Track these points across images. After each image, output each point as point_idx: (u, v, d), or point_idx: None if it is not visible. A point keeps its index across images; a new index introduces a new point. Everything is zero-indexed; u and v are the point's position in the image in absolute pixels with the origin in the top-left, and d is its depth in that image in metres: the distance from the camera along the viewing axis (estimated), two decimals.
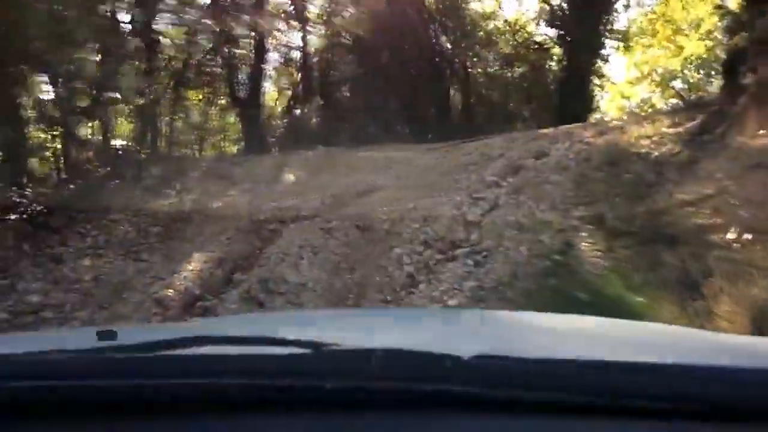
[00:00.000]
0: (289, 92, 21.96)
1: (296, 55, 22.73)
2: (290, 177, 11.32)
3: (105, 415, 0.82)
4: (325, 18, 23.00)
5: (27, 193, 8.68)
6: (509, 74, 24.01)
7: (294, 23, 21.94)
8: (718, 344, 1.55)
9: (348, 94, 22.76)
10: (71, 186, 10.00)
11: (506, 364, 0.87)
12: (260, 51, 16.57)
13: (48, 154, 12.25)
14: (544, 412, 0.82)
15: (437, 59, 23.26)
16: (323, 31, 23.44)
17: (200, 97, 16.87)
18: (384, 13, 24.35)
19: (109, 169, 10.41)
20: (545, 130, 13.76)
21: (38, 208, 7.95)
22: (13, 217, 7.51)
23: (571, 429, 0.83)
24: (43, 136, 12.28)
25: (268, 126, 18.73)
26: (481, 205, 8.76)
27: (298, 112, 20.24)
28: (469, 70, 22.89)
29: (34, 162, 12.85)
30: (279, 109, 21.58)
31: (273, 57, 21.30)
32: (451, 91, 23.68)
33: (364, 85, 22.50)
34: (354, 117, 21.69)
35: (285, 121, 19.48)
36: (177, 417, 0.83)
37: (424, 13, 24.12)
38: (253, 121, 16.03)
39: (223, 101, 17.75)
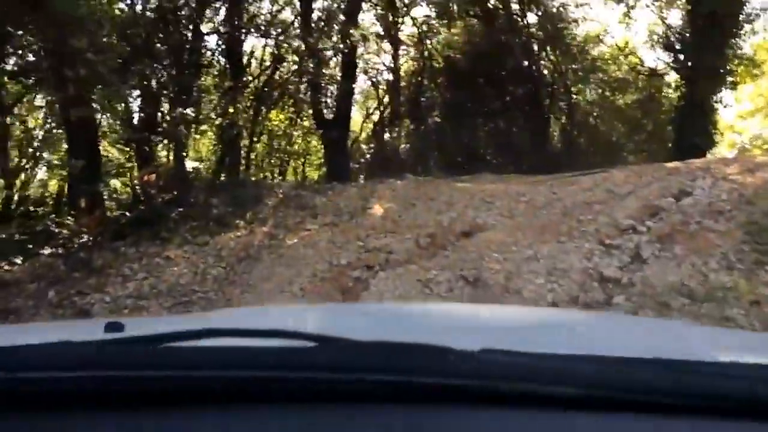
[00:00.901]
0: (376, 116, 20.72)
1: (385, 77, 21.59)
2: (378, 210, 9.82)
3: (109, 406, 0.80)
4: (416, 39, 21.76)
5: (68, 222, 7.55)
6: (617, 101, 21.84)
7: (384, 44, 20.84)
8: (721, 339, 1.57)
9: (439, 120, 21.24)
10: (127, 213, 8.92)
11: (510, 358, 0.87)
12: (348, 72, 15.32)
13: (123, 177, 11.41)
14: (549, 406, 0.80)
15: (536, 84, 21.46)
16: (414, 53, 22.20)
17: (282, 118, 15.75)
18: (478, 35, 22.97)
19: (176, 193, 9.24)
20: (673, 164, 11.68)
21: (81, 241, 6.80)
22: (47, 251, 6.23)
23: (576, 423, 0.81)
24: (119, 157, 11.43)
25: (353, 151, 17.43)
26: (617, 255, 6.96)
27: (387, 137, 18.89)
28: (573, 96, 20.88)
29: (113, 183, 12.06)
30: (365, 133, 20.33)
31: (361, 79, 20.26)
32: (550, 119, 21.76)
33: (456, 110, 20.98)
34: (445, 144, 20.15)
35: (372, 146, 18.11)
36: (181, 409, 0.80)
37: (521, 36, 22.48)
38: (338, 145, 14.74)
39: (306, 123, 16.64)
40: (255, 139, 14.44)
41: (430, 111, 21.68)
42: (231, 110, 12.39)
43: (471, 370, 0.82)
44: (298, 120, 16.59)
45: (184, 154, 10.69)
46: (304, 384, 0.81)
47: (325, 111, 14.94)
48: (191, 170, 10.54)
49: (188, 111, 10.03)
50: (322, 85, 14.55)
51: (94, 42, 8.62)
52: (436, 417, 0.80)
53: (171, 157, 10.54)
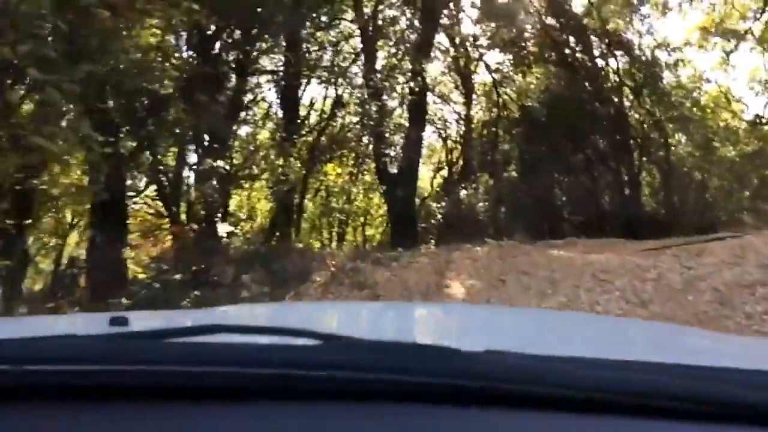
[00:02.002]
0: (446, 171, 18.70)
1: (455, 128, 19.70)
2: (458, 289, 7.67)
3: (115, 400, 0.79)
4: (490, 87, 19.89)
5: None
6: (719, 154, 19.14)
7: (454, 93, 19.04)
8: (724, 345, 1.56)
9: (516, 175, 19.06)
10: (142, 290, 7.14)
11: (516, 360, 0.87)
12: (417, 119, 13.46)
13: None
14: (554, 408, 0.79)
15: (623, 135, 19.06)
16: (487, 103, 20.31)
17: (340, 172, 13.81)
18: (556, 83, 20.91)
19: (199, 267, 7.33)
20: None
21: None
22: None
23: (582, 426, 0.80)
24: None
25: (421, 210, 15.39)
26: None
27: (462, 194, 16.77)
28: (669, 147, 18.33)
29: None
30: (434, 190, 18.29)
31: (429, 130, 18.44)
32: (641, 173, 19.18)
33: (533, 164, 18.80)
34: (523, 202, 17.92)
35: (442, 204, 16.01)
36: (187, 404, 0.80)
37: (606, 82, 20.26)
38: (404, 203, 12.73)
39: (368, 178, 14.73)
40: (308, 196, 12.52)
41: (505, 165, 19.57)
42: (282, 163, 10.64)
43: (477, 372, 0.81)
44: (359, 174, 14.67)
45: (219, 215, 8.88)
46: (310, 382, 0.80)
47: (389, 164, 13.02)
48: (224, 235, 8.60)
49: (220, 163, 8.25)
50: (387, 135, 12.71)
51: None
52: (442, 418, 0.79)
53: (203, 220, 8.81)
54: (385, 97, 12.64)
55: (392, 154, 12.89)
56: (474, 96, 20.06)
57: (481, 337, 1.42)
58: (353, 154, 14.34)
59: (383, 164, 12.74)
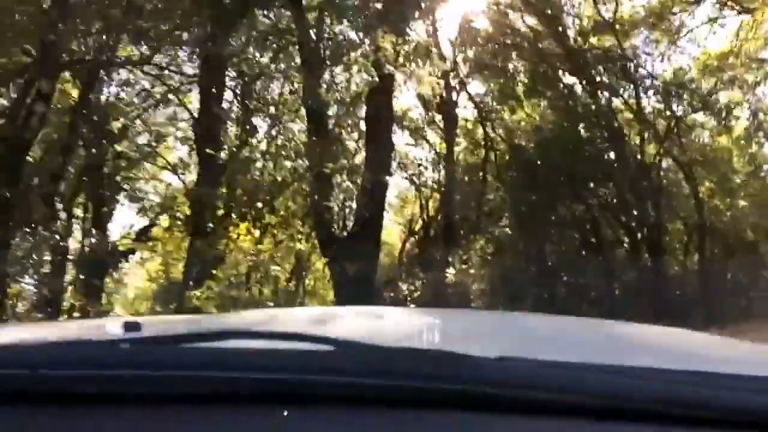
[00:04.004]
0: (421, 227, 14.84)
1: (431, 176, 15.97)
2: None
3: (129, 406, 0.80)
4: (474, 123, 16.34)
5: None
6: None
7: (430, 130, 15.43)
8: (736, 351, 1.56)
9: (509, 231, 15.31)
10: None
11: (528, 366, 0.87)
12: (378, 160, 9.65)
13: None
14: (566, 415, 0.79)
15: (641, 181, 15.50)
16: (469, 142, 16.71)
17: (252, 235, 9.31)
18: (552, 121, 17.51)
19: None
20: None
21: None
22: None
23: None
24: None
25: (387, 292, 11.11)
26: None
27: (438, 256, 12.91)
28: (700, 198, 14.68)
29: None
30: (404, 259, 14.29)
31: (396, 176, 14.70)
32: (664, 228, 15.54)
33: (529, 214, 15.14)
34: (518, 265, 14.15)
35: (417, 286, 11.85)
36: (200, 410, 0.80)
37: (613, 120, 16.86)
38: (359, 282, 8.58)
39: (301, 244, 10.13)
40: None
41: (494, 219, 15.84)
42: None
43: (488, 378, 0.82)
44: (294, 239, 10.23)
45: None
46: (324, 388, 0.81)
47: (335, 224, 9.03)
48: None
49: None
50: (334, 180, 8.85)
51: None
52: (453, 424, 0.79)
53: None
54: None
55: (337, 207, 8.93)
56: (457, 134, 16.42)
57: (492, 344, 1.35)
58: (281, 211, 10.15)
59: (326, 224, 8.73)
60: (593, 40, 16.66)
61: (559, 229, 16.78)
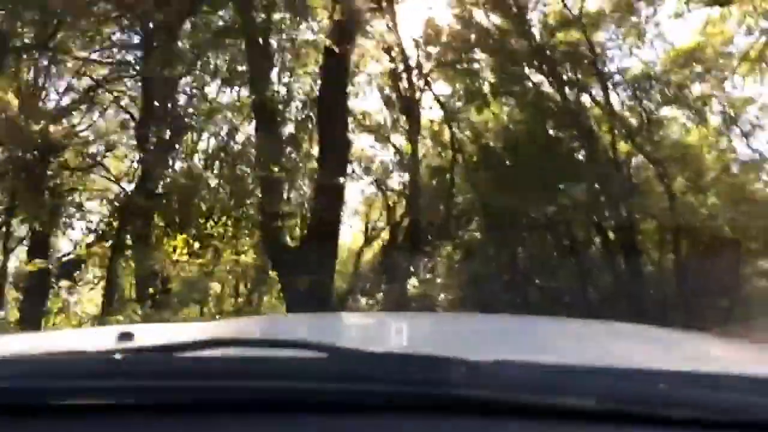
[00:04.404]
0: (386, 233, 14.12)
1: (397, 177, 15.29)
2: None
3: (123, 416, 0.80)
4: (439, 124, 15.72)
5: None
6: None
7: (392, 135, 14.75)
8: (738, 352, 1.55)
9: (478, 235, 14.68)
10: None
11: (524, 369, 0.87)
12: (334, 160, 8.81)
13: None
14: (562, 419, 0.79)
15: (613, 179, 14.99)
16: (435, 143, 16.08)
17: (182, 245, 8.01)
18: (521, 120, 16.96)
19: None
20: None
21: None
22: None
23: None
24: None
25: (347, 306, 10.25)
26: None
27: (402, 263, 12.20)
28: (676, 196, 14.21)
29: None
30: (366, 259, 13.55)
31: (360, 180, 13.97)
32: (640, 227, 15.04)
33: (499, 217, 14.53)
34: (489, 270, 13.51)
35: (378, 298, 11.07)
36: (194, 418, 0.80)
37: (584, 118, 16.37)
38: (312, 296, 7.69)
39: (248, 257, 9.01)
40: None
41: (464, 221, 15.20)
42: None
43: (483, 382, 0.81)
44: (237, 250, 9.10)
45: None
46: (317, 394, 0.80)
47: (282, 232, 8.12)
48: None
49: None
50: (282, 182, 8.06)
51: None
52: (448, 428, 0.79)
53: None
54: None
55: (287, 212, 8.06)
56: (422, 135, 15.76)
57: (487, 347, 1.36)
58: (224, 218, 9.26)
59: (275, 233, 7.90)
60: (560, 36, 16.16)
61: (531, 231, 16.21)
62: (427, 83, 15.18)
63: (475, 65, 17.37)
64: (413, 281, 11.42)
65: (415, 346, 1.17)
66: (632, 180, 15.22)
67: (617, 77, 16.17)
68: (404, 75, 12.68)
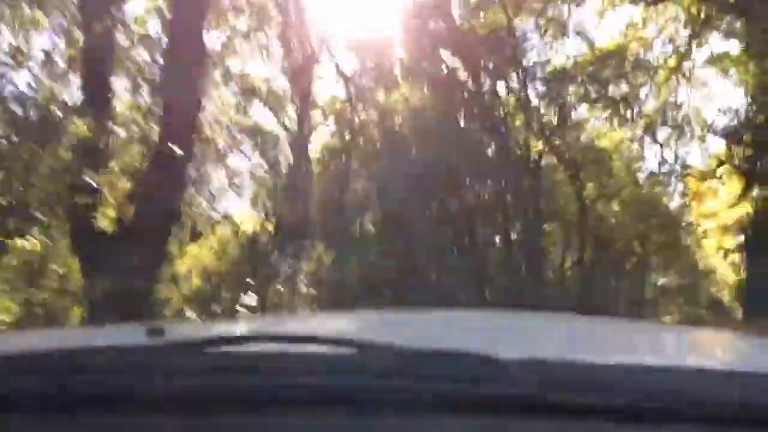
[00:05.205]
0: (261, 224, 12.34)
1: (288, 159, 13.56)
2: None
3: (151, 411, 0.79)
4: (343, 104, 14.13)
5: None
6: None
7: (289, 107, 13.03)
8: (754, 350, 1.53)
9: (372, 228, 13.26)
10: None
11: (557, 367, 0.86)
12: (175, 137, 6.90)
13: None
14: (597, 417, 0.78)
15: (522, 178, 13.99)
16: (337, 124, 14.48)
17: None
18: (431, 107, 15.70)
19: None
20: None
21: None
22: None
23: None
24: None
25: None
26: None
27: (289, 256, 10.58)
28: (584, 198, 13.31)
29: None
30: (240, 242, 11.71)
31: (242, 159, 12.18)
32: (543, 230, 14.10)
33: (399, 208, 13.23)
34: (384, 264, 12.18)
35: (248, 276, 9.42)
36: (226, 414, 0.79)
37: (497, 110, 15.29)
38: (131, 290, 5.92)
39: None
40: None
41: (360, 211, 13.73)
42: None
43: (516, 380, 0.81)
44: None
45: None
46: (346, 391, 0.81)
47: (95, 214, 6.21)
48: None
49: None
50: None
51: None
52: (481, 426, 0.79)
53: None
54: None
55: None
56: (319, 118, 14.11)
57: (520, 345, 1.33)
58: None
59: (81, 217, 5.89)
60: (481, 17, 14.99)
61: (430, 225, 15.01)
62: (332, 56, 13.52)
63: (388, 42, 15.94)
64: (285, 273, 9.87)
65: (447, 343, 0.97)
66: (542, 180, 14.29)
67: (536, 70, 15.21)
68: (295, 33, 10.98)
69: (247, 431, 0.78)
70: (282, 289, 9.63)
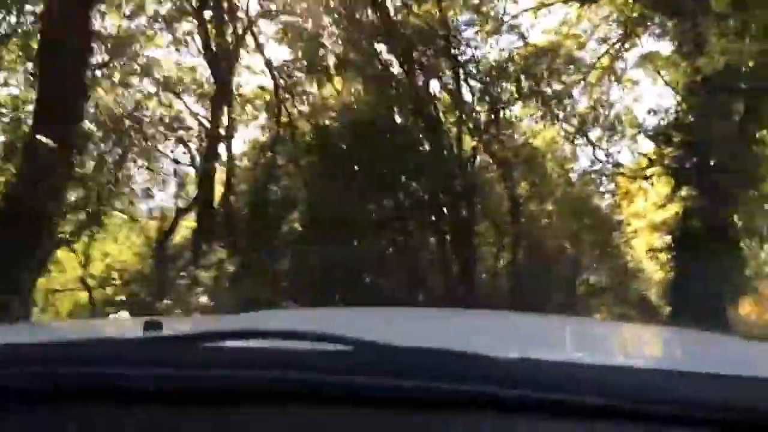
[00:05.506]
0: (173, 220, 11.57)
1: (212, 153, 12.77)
2: None
3: (147, 404, 0.80)
4: (271, 95, 13.43)
5: None
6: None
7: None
8: (747, 351, 1.57)
9: (301, 229, 12.66)
10: None
11: (550, 367, 0.89)
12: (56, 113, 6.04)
13: None
14: (587, 416, 0.79)
15: (456, 177, 13.66)
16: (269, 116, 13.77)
17: None
18: (371, 99, 15.17)
19: None
20: None
21: None
22: None
23: None
24: None
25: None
26: None
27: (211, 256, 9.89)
28: (518, 201, 13.08)
29: None
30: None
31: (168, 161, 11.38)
32: (474, 237, 13.80)
33: (329, 208, 12.67)
34: (314, 264, 11.61)
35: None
36: (222, 408, 0.81)
37: (430, 107, 14.90)
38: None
39: None
40: None
41: (285, 211, 13.07)
42: None
43: (508, 379, 0.81)
44: None
45: None
46: (344, 387, 0.81)
47: None
48: None
49: None
50: None
51: None
52: (473, 425, 0.79)
53: None
54: None
55: None
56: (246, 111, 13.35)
57: (512, 344, 1.38)
58: None
59: None
60: (414, 10, 14.54)
61: (363, 225, 14.54)
62: (251, 33, 12.72)
63: (321, 32, 15.30)
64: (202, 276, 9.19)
65: (440, 342, 0.96)
66: (476, 179, 14.01)
67: (471, 66, 14.89)
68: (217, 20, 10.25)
69: (240, 426, 0.77)
70: (196, 291, 8.97)
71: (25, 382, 0.79)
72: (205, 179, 10.80)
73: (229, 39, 11.08)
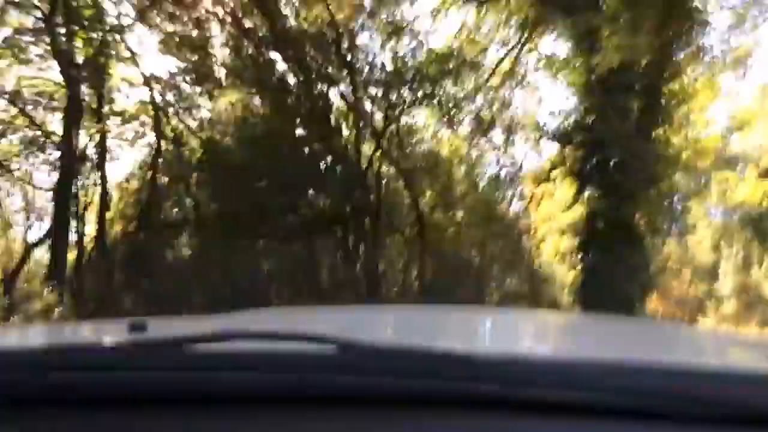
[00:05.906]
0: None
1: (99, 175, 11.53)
2: None
3: (132, 407, 0.81)
4: (152, 109, 12.29)
5: None
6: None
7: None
8: (741, 345, 1.54)
9: (189, 251, 11.61)
10: None
11: (532, 364, 0.88)
12: None
13: None
14: (566, 413, 0.79)
15: (358, 188, 12.97)
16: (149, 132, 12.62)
17: None
18: (267, 110, 14.27)
19: None
20: None
21: None
22: None
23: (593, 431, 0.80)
24: None
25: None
26: None
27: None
28: (423, 210, 12.52)
29: None
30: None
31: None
32: (379, 251, 13.14)
33: (228, 226, 11.70)
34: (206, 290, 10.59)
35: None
36: (205, 410, 0.81)
37: (329, 117, 14.19)
38: None
39: None
40: None
41: (175, 233, 11.99)
42: None
43: (492, 377, 0.81)
44: None
45: None
46: (327, 388, 0.81)
47: None
48: None
49: None
50: None
51: None
52: (457, 423, 0.78)
53: None
54: None
55: None
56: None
57: (495, 342, 1.38)
58: None
59: None
60: (304, 15, 13.82)
61: (265, 244, 13.63)
62: (133, 56, 11.65)
63: (212, 42, 14.33)
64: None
65: (424, 340, 1.05)
66: (379, 189, 13.40)
67: (367, 71, 14.31)
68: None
69: (226, 427, 0.76)
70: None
71: (10, 387, 0.78)
72: (60, 207, 9.54)
73: (91, 49, 9.95)
